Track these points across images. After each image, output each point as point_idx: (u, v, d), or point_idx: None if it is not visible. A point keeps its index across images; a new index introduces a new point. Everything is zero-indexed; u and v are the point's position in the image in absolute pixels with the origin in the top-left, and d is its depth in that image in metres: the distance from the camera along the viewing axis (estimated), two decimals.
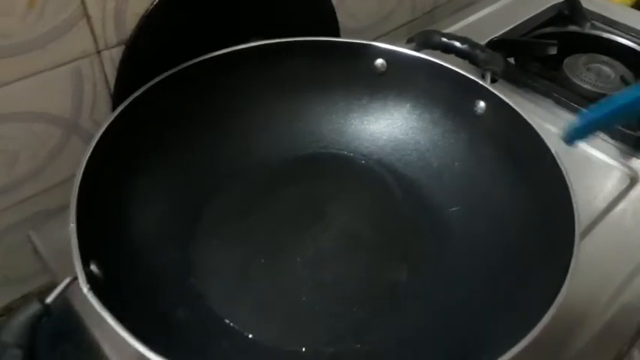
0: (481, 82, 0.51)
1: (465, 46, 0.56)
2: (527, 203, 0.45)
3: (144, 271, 0.42)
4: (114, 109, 0.49)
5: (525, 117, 0.47)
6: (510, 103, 0.48)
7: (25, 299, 0.56)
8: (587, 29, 0.79)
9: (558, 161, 0.43)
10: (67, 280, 0.35)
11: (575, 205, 0.39)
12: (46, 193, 0.52)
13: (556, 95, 0.65)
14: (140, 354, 0.40)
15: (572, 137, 0.44)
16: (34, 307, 0.33)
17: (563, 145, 0.56)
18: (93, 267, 0.35)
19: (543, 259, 0.40)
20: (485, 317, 0.40)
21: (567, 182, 0.41)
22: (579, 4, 0.81)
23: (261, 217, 0.50)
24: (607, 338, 0.45)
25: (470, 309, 0.42)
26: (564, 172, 0.42)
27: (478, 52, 0.55)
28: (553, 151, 0.44)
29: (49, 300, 0.34)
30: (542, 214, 0.43)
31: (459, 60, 0.56)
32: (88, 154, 0.41)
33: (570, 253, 0.36)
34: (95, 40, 0.48)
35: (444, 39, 0.56)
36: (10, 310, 0.56)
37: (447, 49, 0.57)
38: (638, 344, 0.48)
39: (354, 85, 0.56)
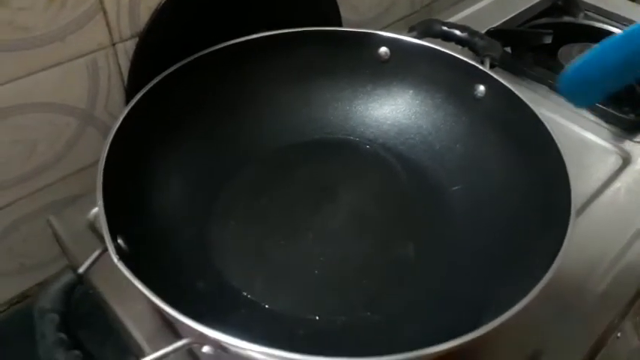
0: (481, 67, 0.53)
1: (464, 34, 0.58)
2: (525, 180, 0.47)
3: (164, 247, 0.44)
4: (127, 100, 0.51)
5: (524, 99, 0.48)
6: (509, 86, 0.50)
7: (41, 287, 0.58)
8: (581, 19, 0.81)
9: (554, 138, 0.45)
10: (97, 252, 0.37)
11: (570, 179, 0.41)
12: (63, 181, 0.54)
13: (551, 82, 0.67)
14: (159, 327, 0.43)
15: (566, 86, 0.45)
16: (68, 276, 0.36)
17: (558, 129, 0.58)
18: (120, 241, 0.37)
19: (542, 230, 0.41)
20: (487, 284, 0.42)
21: (563, 159, 0.43)
22: None
23: (274, 199, 0.52)
24: (601, 309, 0.47)
25: (473, 278, 0.44)
26: (560, 150, 0.44)
27: (477, 39, 0.57)
28: (549, 129, 0.45)
29: (81, 270, 0.36)
30: (540, 189, 0.45)
31: (459, 48, 0.58)
32: (111, 139, 0.43)
33: (567, 222, 0.38)
34: (110, 33, 0.49)
35: (444, 27, 0.58)
36: (27, 297, 0.58)
37: (447, 37, 0.59)
38: (630, 316, 0.49)
39: (359, 72, 0.58)
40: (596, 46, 0.44)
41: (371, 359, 0.29)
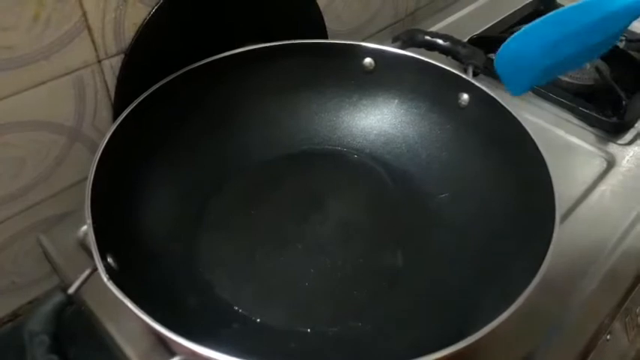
0: (464, 76, 0.54)
1: (447, 43, 0.58)
2: (511, 186, 0.48)
3: (154, 264, 0.44)
4: (115, 116, 0.51)
5: (506, 106, 0.49)
6: (492, 94, 0.51)
7: (30, 308, 0.58)
8: None
9: (537, 144, 0.45)
10: (87, 272, 0.36)
11: (554, 185, 0.42)
12: (53, 199, 0.53)
13: (535, 87, 0.68)
14: (153, 344, 0.42)
15: (503, 61, 0.44)
16: (58, 297, 0.35)
17: (543, 133, 0.59)
18: (109, 260, 0.37)
19: (528, 235, 0.42)
20: (475, 291, 0.42)
21: (546, 164, 0.44)
22: (554, 0, 0.84)
23: (262, 211, 0.53)
24: (590, 311, 0.48)
25: (462, 285, 0.44)
26: (543, 155, 0.44)
27: (460, 48, 0.58)
28: (532, 135, 0.46)
29: (71, 290, 0.36)
30: (525, 195, 0.46)
31: (442, 56, 0.59)
32: (98, 156, 0.43)
33: (552, 228, 0.39)
34: (96, 50, 0.49)
35: (427, 37, 0.59)
36: (18, 316, 0.57)
37: (431, 47, 0.59)
38: (619, 317, 0.50)
39: (344, 83, 0.59)
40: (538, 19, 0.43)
41: None
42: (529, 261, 0.38)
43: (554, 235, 0.39)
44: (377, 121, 0.59)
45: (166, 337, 0.31)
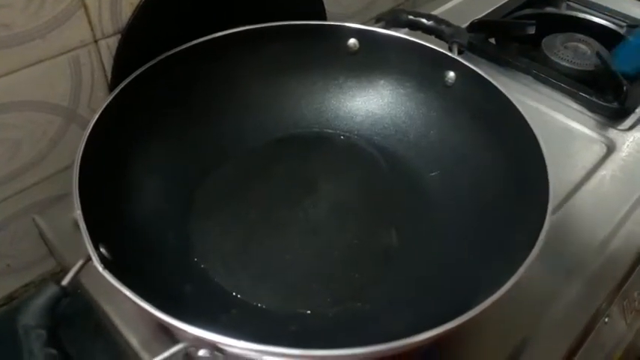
0: (449, 54, 0.53)
1: (430, 22, 0.58)
2: (501, 161, 0.48)
3: (147, 252, 0.43)
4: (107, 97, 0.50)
5: (493, 82, 0.49)
6: (478, 71, 0.51)
7: (27, 288, 0.58)
8: (563, 10, 0.82)
9: (526, 118, 0.45)
10: (80, 263, 0.36)
11: (545, 156, 0.42)
12: (49, 180, 0.53)
13: (535, 72, 0.68)
14: (154, 331, 0.42)
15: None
16: (52, 290, 0.35)
17: (541, 117, 0.59)
18: (102, 249, 0.36)
19: (522, 208, 0.42)
20: (472, 267, 0.42)
21: (537, 139, 0.43)
22: None
23: (253, 196, 0.52)
24: (588, 295, 0.48)
25: (457, 262, 0.45)
26: (532, 128, 0.44)
27: (444, 27, 0.58)
28: (520, 109, 0.46)
29: (64, 282, 0.35)
30: (517, 169, 0.46)
31: (427, 36, 0.59)
32: (85, 141, 0.42)
33: (546, 200, 0.38)
34: (92, 30, 0.49)
35: (411, 16, 0.59)
36: (13, 299, 0.57)
37: (414, 26, 0.60)
38: (617, 300, 0.50)
39: (329, 65, 0.58)
40: None
41: (367, 348, 0.29)
42: (525, 234, 0.38)
43: (549, 203, 0.38)
44: (363, 102, 0.59)
45: (170, 324, 0.30)
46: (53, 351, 0.31)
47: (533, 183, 0.41)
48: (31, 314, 0.33)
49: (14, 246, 0.54)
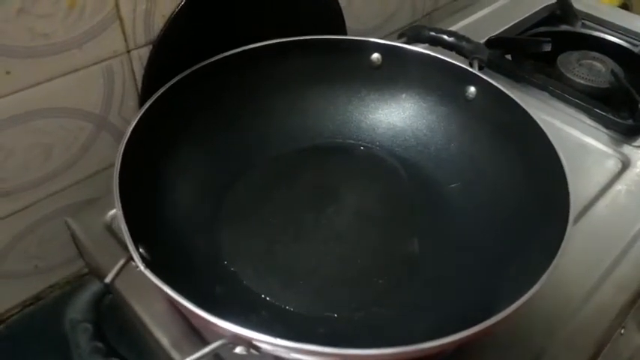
0: (470, 69, 0.55)
1: (451, 39, 0.60)
2: (522, 174, 0.49)
3: (180, 254, 0.45)
4: (141, 106, 0.52)
5: (513, 97, 0.50)
6: (499, 86, 0.52)
7: (52, 289, 0.59)
8: (579, 28, 0.84)
9: (546, 133, 0.46)
10: (121, 262, 0.37)
11: (565, 167, 0.43)
12: (78, 185, 0.55)
13: (551, 88, 0.69)
14: (185, 332, 0.43)
15: None
16: (96, 286, 0.36)
17: (557, 133, 0.60)
18: (141, 250, 0.37)
19: (543, 221, 0.43)
20: (493, 277, 0.43)
21: (557, 152, 0.45)
22: (570, 4, 0.85)
23: (279, 203, 0.54)
24: (604, 304, 0.48)
25: (477, 271, 0.46)
26: (553, 143, 0.45)
27: (464, 43, 0.59)
28: (540, 124, 0.47)
29: (108, 279, 0.36)
30: (537, 182, 0.47)
31: (447, 52, 0.60)
32: (124, 145, 0.44)
33: (567, 217, 0.39)
34: (126, 41, 0.50)
35: (432, 33, 0.60)
36: (40, 299, 0.58)
37: (436, 42, 0.61)
38: (632, 315, 0.51)
39: (353, 79, 0.60)
40: None
41: (394, 349, 0.30)
42: (546, 244, 0.39)
43: (571, 212, 0.39)
44: (385, 115, 0.60)
45: (212, 322, 0.31)
46: (99, 344, 0.32)
47: (553, 194, 0.43)
48: (78, 309, 0.34)
49: (42, 248, 0.55)
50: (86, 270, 0.59)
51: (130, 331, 0.48)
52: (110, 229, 0.52)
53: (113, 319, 0.50)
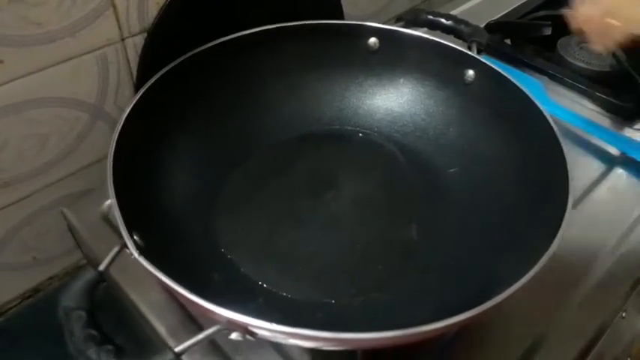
0: (469, 52, 0.54)
1: (450, 22, 0.59)
2: (520, 158, 0.48)
3: (176, 241, 0.45)
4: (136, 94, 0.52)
5: (511, 79, 0.50)
6: (497, 68, 0.51)
7: (51, 281, 0.59)
8: None
9: (546, 115, 0.46)
10: (115, 249, 0.37)
11: (565, 153, 0.42)
12: (75, 175, 0.54)
13: (551, 72, 0.68)
14: (181, 319, 0.43)
15: None
16: (90, 274, 0.36)
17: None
18: (135, 237, 0.37)
19: (540, 203, 0.43)
20: (492, 260, 0.43)
21: (556, 135, 0.44)
22: None
23: (276, 190, 0.53)
24: (605, 292, 0.48)
25: (477, 255, 0.45)
26: (552, 125, 0.45)
27: (462, 26, 0.58)
28: (540, 106, 0.47)
29: (101, 267, 0.36)
30: (536, 163, 0.46)
31: (445, 36, 0.59)
32: (117, 135, 0.43)
33: (566, 201, 0.39)
34: (120, 28, 0.50)
35: (430, 16, 0.60)
36: (39, 291, 0.58)
37: (434, 26, 0.60)
38: (633, 299, 0.51)
39: (350, 64, 0.59)
40: None
41: (394, 332, 0.30)
42: (545, 228, 0.38)
43: (570, 196, 0.39)
44: (383, 100, 0.59)
45: (207, 308, 0.31)
46: (93, 331, 0.32)
47: (552, 178, 0.42)
48: (71, 296, 0.34)
49: (40, 239, 0.55)
50: (84, 261, 0.59)
51: (127, 320, 0.48)
52: (107, 219, 0.52)
53: (110, 309, 0.51)
